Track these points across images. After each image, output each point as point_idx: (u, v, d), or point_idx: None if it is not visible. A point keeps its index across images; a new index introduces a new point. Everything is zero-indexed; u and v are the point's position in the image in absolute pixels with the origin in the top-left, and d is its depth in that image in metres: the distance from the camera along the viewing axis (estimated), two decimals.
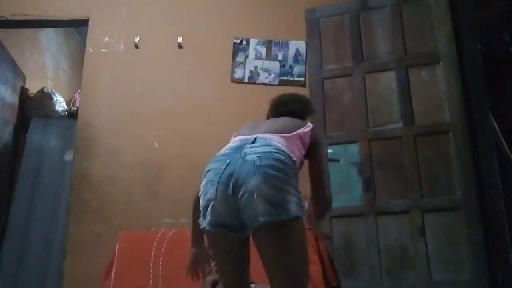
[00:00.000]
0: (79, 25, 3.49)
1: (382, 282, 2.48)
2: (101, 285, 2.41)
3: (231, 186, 1.39)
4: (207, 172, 1.49)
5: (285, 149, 1.48)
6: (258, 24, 3.21)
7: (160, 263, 2.39)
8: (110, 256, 2.47)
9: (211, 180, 1.44)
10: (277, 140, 1.51)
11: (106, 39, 3.23)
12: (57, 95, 3.91)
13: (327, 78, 2.89)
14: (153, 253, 2.42)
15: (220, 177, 1.41)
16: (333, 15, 2.99)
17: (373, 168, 2.66)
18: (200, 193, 1.49)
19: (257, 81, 3.09)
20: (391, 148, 2.67)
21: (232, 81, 3.10)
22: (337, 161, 2.72)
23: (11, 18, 3.27)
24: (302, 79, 3.06)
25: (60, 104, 3.90)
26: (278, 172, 1.38)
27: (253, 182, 1.35)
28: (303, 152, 1.61)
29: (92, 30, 3.26)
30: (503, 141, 2.86)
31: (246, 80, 3.10)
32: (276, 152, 1.44)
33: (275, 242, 1.38)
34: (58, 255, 3.09)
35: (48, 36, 4.60)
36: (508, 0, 3.32)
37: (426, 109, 2.68)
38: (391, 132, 2.69)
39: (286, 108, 1.82)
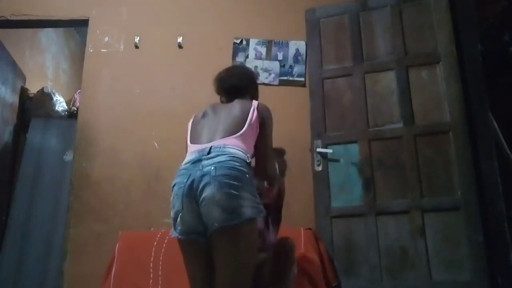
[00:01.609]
0: (79, 25, 3.49)
1: (382, 282, 2.48)
2: (101, 285, 2.41)
3: (193, 197, 1.55)
4: (173, 186, 1.65)
5: (240, 153, 1.61)
6: (258, 24, 3.21)
7: (160, 263, 2.39)
8: (110, 256, 2.48)
9: (176, 194, 1.61)
10: (232, 145, 1.63)
11: (106, 39, 3.23)
12: (57, 95, 3.91)
13: (327, 78, 2.89)
14: (153, 253, 2.42)
15: (184, 190, 1.57)
16: (333, 15, 2.99)
17: (373, 168, 2.66)
18: (170, 206, 1.65)
19: (257, 81, 3.08)
20: (391, 148, 2.67)
21: None
22: (337, 161, 2.72)
23: (11, 18, 3.27)
24: (302, 79, 3.06)
25: (60, 104, 3.90)
26: (232, 180, 1.52)
27: (210, 191, 1.51)
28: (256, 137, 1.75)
29: (92, 30, 3.26)
30: (503, 141, 2.86)
31: None
32: (231, 160, 1.57)
33: (225, 245, 1.52)
34: (58, 255, 3.10)
35: (48, 36, 4.61)
36: (508, 0, 3.32)
37: (426, 109, 2.68)
38: (391, 132, 2.69)
39: (229, 83, 1.94)
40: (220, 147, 1.62)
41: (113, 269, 2.40)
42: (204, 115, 1.87)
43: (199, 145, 1.70)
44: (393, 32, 2.84)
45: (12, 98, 3.71)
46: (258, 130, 1.75)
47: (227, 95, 1.93)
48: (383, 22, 2.88)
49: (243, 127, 1.69)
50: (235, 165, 1.56)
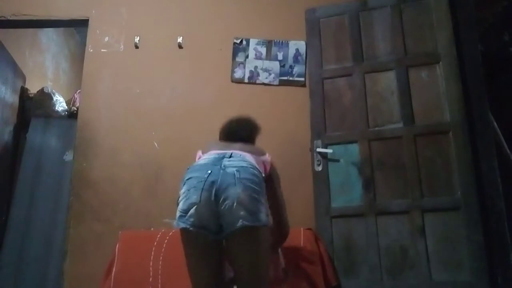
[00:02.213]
0: (79, 25, 3.48)
1: (382, 282, 2.48)
2: (101, 285, 2.41)
3: (213, 193, 1.57)
4: (187, 179, 1.65)
5: (257, 166, 1.70)
6: (258, 24, 3.21)
7: (160, 263, 2.39)
8: (110, 256, 2.48)
9: (194, 187, 1.61)
10: (250, 157, 1.72)
11: (106, 39, 3.23)
12: (57, 95, 3.91)
13: (327, 78, 2.89)
14: (153, 253, 2.42)
15: (204, 184, 1.59)
16: (333, 15, 2.99)
17: (373, 168, 2.66)
18: (180, 198, 1.65)
19: (257, 81, 3.09)
20: (391, 148, 2.67)
21: (232, 81, 3.10)
22: (337, 161, 2.72)
23: (11, 18, 3.27)
24: (302, 79, 3.06)
25: (60, 104, 3.90)
26: (254, 184, 1.59)
27: (234, 191, 1.55)
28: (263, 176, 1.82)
29: (92, 30, 3.26)
30: (503, 141, 2.86)
31: (246, 80, 3.10)
32: (251, 168, 1.65)
33: (247, 245, 1.58)
34: (58, 255, 3.09)
35: (48, 36, 4.61)
36: (508, 0, 3.32)
37: (426, 109, 2.68)
38: (391, 132, 2.69)
39: (238, 134, 2.00)
40: (240, 155, 1.70)
41: (113, 269, 2.40)
42: (215, 142, 1.97)
43: (218, 150, 1.77)
44: (393, 32, 2.84)
45: (12, 98, 3.71)
46: (265, 174, 1.81)
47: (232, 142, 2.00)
48: (383, 22, 2.88)
49: (257, 155, 1.80)
50: (255, 172, 1.64)
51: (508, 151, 2.87)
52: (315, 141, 2.78)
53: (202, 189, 1.58)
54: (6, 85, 3.59)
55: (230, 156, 1.68)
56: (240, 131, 2.02)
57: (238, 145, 1.87)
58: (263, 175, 1.70)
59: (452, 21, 2.73)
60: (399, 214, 2.55)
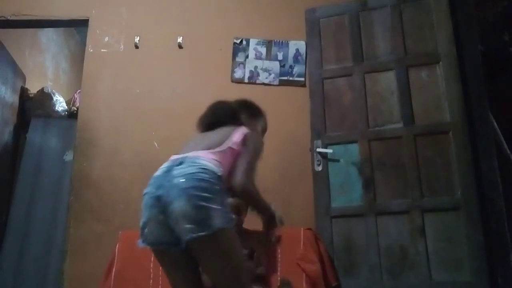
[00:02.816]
0: (79, 25, 3.48)
1: (382, 282, 2.48)
2: (101, 285, 2.41)
3: (161, 208, 1.55)
4: (144, 195, 1.67)
5: (211, 166, 1.59)
6: (258, 24, 3.21)
7: None
8: (110, 256, 2.47)
9: (145, 204, 1.64)
10: (205, 157, 1.62)
11: (106, 39, 3.23)
12: (57, 95, 3.91)
13: (327, 78, 2.89)
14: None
15: (153, 200, 1.59)
16: (333, 15, 2.99)
17: (373, 168, 2.66)
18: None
19: (257, 81, 3.09)
20: (391, 148, 2.67)
21: (232, 81, 3.10)
22: (337, 161, 2.72)
23: (11, 18, 3.27)
24: (302, 79, 3.06)
25: (60, 104, 3.90)
26: (201, 191, 1.51)
27: (178, 204, 1.50)
28: None
29: (92, 30, 3.26)
30: (503, 141, 2.86)
31: (246, 80, 3.10)
32: (201, 172, 1.55)
33: (206, 255, 1.53)
34: (58, 255, 3.09)
35: (48, 36, 4.60)
36: (508, 0, 3.32)
37: (426, 109, 2.68)
38: (391, 132, 2.69)
39: (210, 120, 1.93)
40: (192, 159, 1.62)
41: (113, 269, 2.40)
42: (185, 141, 1.89)
43: (175, 156, 1.73)
44: (393, 32, 2.84)
45: (12, 98, 3.70)
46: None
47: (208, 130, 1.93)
48: (383, 22, 2.87)
49: (220, 146, 1.69)
50: (204, 177, 1.54)
51: (508, 151, 2.87)
52: (315, 141, 2.78)
53: (151, 206, 1.59)
54: (6, 85, 3.58)
55: (180, 164, 1.61)
56: (210, 117, 1.95)
57: (200, 139, 1.81)
58: (219, 173, 1.59)
59: (452, 21, 2.73)
60: (399, 214, 2.55)
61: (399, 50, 2.80)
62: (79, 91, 3.67)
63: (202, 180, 1.53)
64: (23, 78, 3.91)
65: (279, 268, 2.40)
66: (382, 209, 2.58)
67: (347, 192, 2.67)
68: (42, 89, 3.88)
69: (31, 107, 3.83)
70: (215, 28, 3.22)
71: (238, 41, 3.17)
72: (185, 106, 3.07)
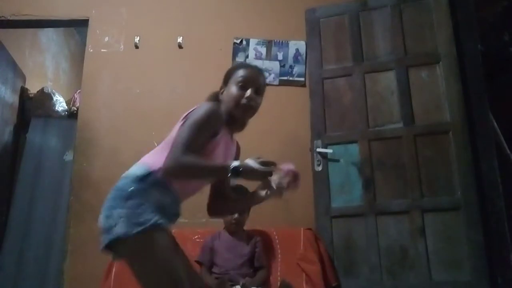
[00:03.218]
0: (79, 25, 3.48)
1: (382, 282, 2.48)
2: (101, 285, 2.41)
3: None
4: None
5: (132, 171, 1.60)
6: (258, 24, 3.21)
7: None
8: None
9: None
10: (140, 163, 1.64)
11: (106, 39, 3.23)
12: (57, 95, 3.91)
13: (327, 78, 2.89)
14: None
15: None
16: (333, 15, 2.99)
17: (373, 168, 2.66)
18: None
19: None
20: (391, 148, 2.67)
21: None
22: (337, 161, 2.72)
23: (11, 18, 3.27)
24: (302, 79, 3.06)
25: (60, 104, 3.90)
26: (109, 202, 1.51)
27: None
28: None
29: (92, 30, 3.26)
30: (503, 141, 2.86)
31: None
32: (121, 183, 1.57)
33: (128, 263, 1.45)
34: (58, 255, 3.09)
35: (48, 36, 4.60)
36: (508, 0, 3.32)
37: (426, 109, 2.68)
38: (391, 132, 2.69)
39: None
40: (128, 169, 1.62)
41: (113, 269, 2.40)
42: None
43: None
44: (393, 32, 2.84)
45: (12, 98, 3.71)
46: None
47: None
48: (383, 22, 2.88)
49: (168, 136, 1.60)
50: (119, 186, 1.55)
51: (508, 151, 2.87)
52: (315, 141, 2.78)
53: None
54: (6, 85, 3.59)
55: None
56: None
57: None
58: (143, 172, 1.56)
59: (452, 21, 2.73)
60: (399, 214, 2.55)
61: (399, 50, 2.80)
62: (79, 91, 3.67)
63: (116, 189, 1.55)
64: (23, 78, 3.91)
65: (279, 268, 2.40)
66: (382, 209, 2.58)
67: (347, 192, 2.67)
68: (42, 89, 3.88)
69: (31, 107, 3.83)
70: (215, 28, 3.22)
71: (238, 41, 3.17)
72: (185, 106, 3.03)
